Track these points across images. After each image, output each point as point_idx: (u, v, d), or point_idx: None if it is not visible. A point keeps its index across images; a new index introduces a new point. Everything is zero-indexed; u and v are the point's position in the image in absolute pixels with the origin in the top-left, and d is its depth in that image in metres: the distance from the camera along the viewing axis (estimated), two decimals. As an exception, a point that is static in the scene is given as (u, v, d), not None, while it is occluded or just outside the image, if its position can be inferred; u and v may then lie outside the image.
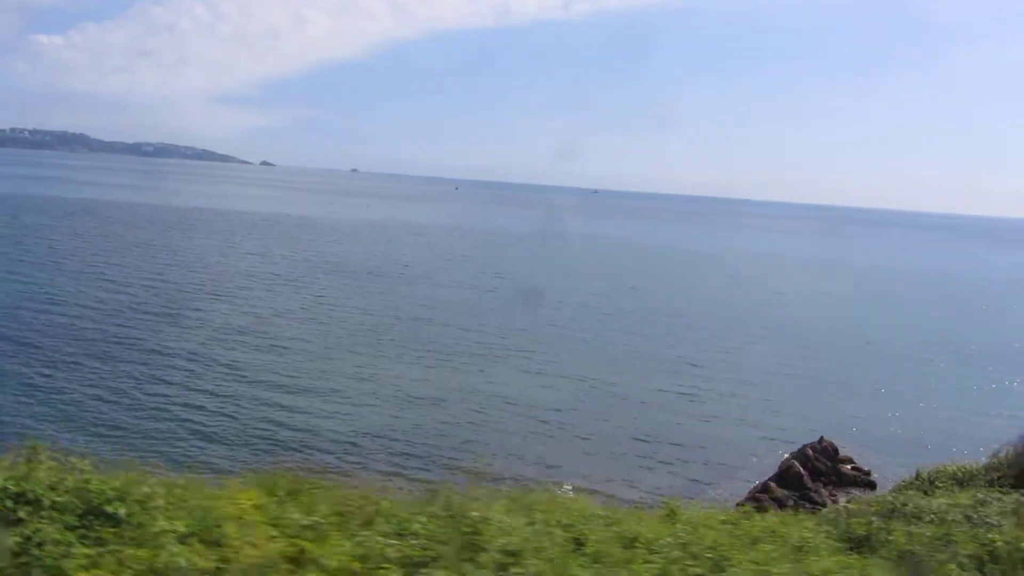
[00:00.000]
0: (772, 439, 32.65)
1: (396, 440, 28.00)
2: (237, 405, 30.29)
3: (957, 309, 73.39)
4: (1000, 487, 13.04)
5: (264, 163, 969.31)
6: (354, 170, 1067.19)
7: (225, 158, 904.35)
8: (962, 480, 16.60)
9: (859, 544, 7.91)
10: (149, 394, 31.00)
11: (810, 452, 31.22)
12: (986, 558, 7.06)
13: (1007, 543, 7.27)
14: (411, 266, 75.82)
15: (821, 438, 32.03)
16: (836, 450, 31.86)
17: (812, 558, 6.89)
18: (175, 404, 29.98)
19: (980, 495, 11.23)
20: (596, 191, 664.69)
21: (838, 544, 7.76)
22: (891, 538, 7.87)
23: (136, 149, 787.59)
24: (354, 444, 27.40)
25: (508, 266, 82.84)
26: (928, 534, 7.93)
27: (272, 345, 40.42)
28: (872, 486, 29.26)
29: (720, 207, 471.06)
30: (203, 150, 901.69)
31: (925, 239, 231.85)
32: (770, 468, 29.08)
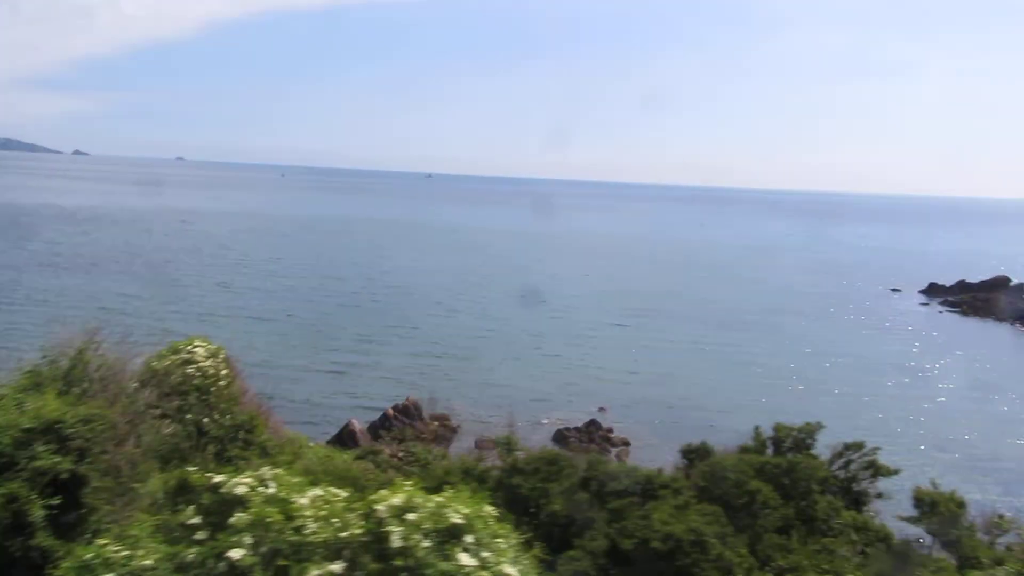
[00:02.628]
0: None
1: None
2: None
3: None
4: None
5: (77, 152, 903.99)
6: (179, 158, 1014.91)
7: (32, 147, 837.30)
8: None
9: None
10: None
11: (390, 412, 35.17)
12: None
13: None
14: (139, 256, 75.25)
15: (407, 398, 36.13)
16: (419, 408, 35.91)
17: None
18: None
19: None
20: (430, 175, 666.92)
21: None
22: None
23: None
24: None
25: (256, 252, 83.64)
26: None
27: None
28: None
29: (545, 187, 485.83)
30: (5, 139, 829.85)
31: (711, 212, 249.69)
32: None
